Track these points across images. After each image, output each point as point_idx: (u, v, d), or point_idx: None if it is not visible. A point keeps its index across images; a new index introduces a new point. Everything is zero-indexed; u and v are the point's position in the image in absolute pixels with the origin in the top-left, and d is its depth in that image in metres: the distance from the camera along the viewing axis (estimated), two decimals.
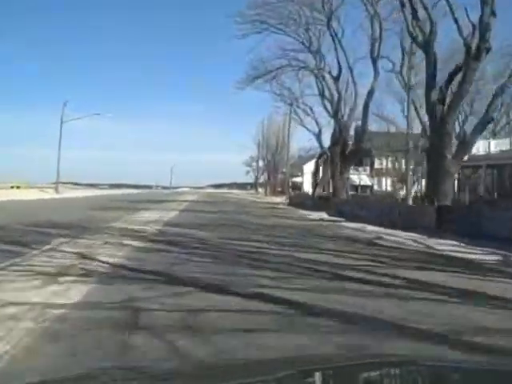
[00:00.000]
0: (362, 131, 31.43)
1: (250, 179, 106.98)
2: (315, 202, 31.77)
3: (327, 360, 1.99)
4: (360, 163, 56.87)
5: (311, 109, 36.98)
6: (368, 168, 58.04)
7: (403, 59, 27.53)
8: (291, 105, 39.84)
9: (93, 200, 34.52)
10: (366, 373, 1.57)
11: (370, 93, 29.77)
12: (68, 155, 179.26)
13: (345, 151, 32.02)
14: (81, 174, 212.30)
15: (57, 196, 40.91)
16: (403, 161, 35.49)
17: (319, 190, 37.81)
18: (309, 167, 65.94)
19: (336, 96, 32.46)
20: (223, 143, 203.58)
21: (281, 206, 36.34)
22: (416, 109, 28.51)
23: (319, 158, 39.48)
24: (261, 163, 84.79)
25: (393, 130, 41.91)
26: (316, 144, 38.94)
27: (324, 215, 23.43)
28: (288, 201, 41.70)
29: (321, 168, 39.74)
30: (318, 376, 1.55)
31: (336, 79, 32.28)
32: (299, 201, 36.84)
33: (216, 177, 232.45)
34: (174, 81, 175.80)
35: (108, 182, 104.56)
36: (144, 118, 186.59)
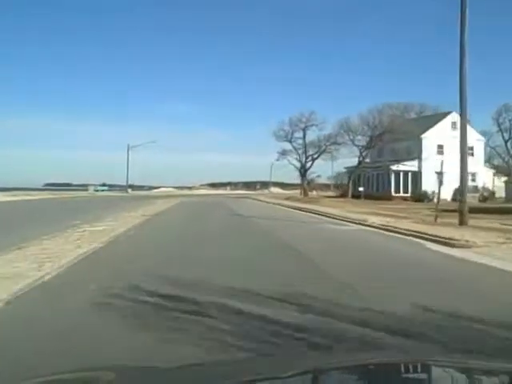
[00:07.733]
0: None
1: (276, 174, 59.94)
2: None
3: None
4: None
5: None
6: None
7: None
8: None
9: None
10: (366, 373, 1.61)
11: None
12: (65, 155, 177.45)
13: None
14: (74, 175, 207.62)
15: None
16: None
17: None
18: (434, 135, 32.69)
19: None
20: (222, 141, 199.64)
21: None
22: None
23: None
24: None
25: None
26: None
27: None
28: None
29: None
30: (318, 376, 1.58)
31: None
32: None
33: (214, 175, 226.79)
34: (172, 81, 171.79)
35: (98, 183, 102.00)
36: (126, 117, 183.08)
